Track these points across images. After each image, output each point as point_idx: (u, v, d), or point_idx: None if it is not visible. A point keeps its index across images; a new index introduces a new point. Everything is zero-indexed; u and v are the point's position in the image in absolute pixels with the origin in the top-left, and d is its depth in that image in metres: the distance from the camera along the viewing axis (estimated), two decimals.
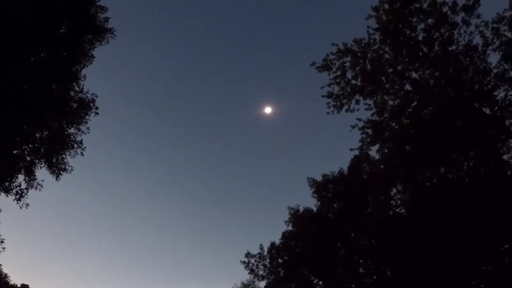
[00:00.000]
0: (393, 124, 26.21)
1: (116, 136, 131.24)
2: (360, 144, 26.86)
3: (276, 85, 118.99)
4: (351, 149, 27.50)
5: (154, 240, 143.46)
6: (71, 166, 21.69)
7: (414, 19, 21.90)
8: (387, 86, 25.77)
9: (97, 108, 21.10)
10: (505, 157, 20.71)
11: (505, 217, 19.81)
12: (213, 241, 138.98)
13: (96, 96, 21.05)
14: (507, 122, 20.07)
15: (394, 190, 28.44)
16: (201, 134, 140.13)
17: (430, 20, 21.36)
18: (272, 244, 33.51)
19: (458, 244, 21.72)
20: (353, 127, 26.55)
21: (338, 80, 26.20)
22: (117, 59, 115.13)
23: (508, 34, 18.41)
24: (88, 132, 21.49)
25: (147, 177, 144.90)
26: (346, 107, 26.58)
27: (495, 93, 20.17)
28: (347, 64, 25.83)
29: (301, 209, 33.63)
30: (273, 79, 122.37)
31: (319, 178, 33.44)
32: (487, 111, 20.92)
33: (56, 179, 21.51)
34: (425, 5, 21.16)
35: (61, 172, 21.46)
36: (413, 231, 24.46)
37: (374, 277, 28.07)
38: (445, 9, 20.51)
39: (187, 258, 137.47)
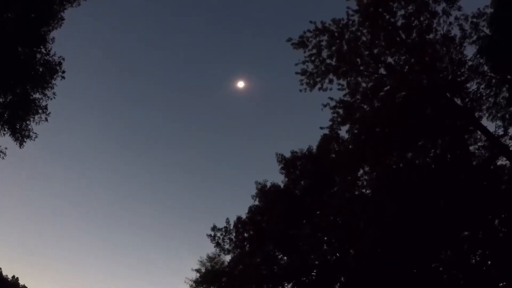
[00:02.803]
0: (365, 106, 26.34)
1: (84, 103, 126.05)
2: (330, 123, 26.99)
3: (250, 60, 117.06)
4: (321, 128, 27.69)
5: (120, 210, 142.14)
6: (35, 133, 20.60)
7: (395, 5, 21.64)
8: (361, 68, 25.67)
9: (63, 72, 19.89)
10: (471, 148, 21.26)
11: (467, 206, 20.57)
12: (180, 214, 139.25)
13: (63, 59, 19.77)
14: (476, 114, 20.48)
15: (361, 171, 28.98)
16: (171, 106, 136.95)
17: (410, 7, 21.12)
18: (239, 218, 33.63)
19: (420, 228, 22.47)
20: (325, 106, 26.51)
21: (313, 58, 25.93)
22: (89, 23, 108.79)
23: (486, 30, 18.46)
24: (54, 98, 20.31)
25: (115, 147, 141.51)
26: (319, 85, 26.46)
27: (468, 85, 20.53)
28: (324, 43, 25.51)
29: (269, 184, 33.75)
30: (248, 54, 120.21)
31: (287, 155, 33.54)
32: (458, 101, 21.26)
33: (20, 146, 20.44)
34: None
35: (25, 139, 20.42)
36: (377, 212, 25.04)
37: (337, 254, 28.91)
38: None
39: (154, 230, 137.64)
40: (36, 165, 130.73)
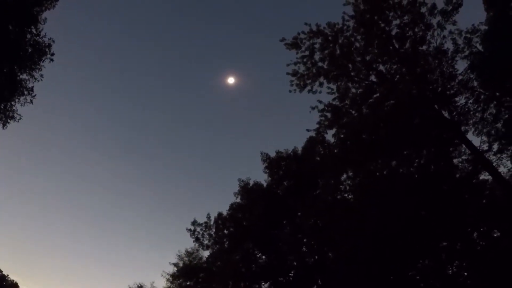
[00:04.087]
0: (353, 112, 26.52)
1: (71, 87, 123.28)
2: (317, 126, 27.05)
3: (243, 57, 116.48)
4: (307, 130, 27.73)
5: (102, 204, 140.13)
6: (20, 115, 20.27)
7: (391, 14, 21.75)
8: (352, 73, 25.81)
9: (52, 54, 19.62)
10: (455, 160, 21.60)
11: (448, 217, 20.94)
12: (162, 207, 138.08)
13: (53, 41, 19.50)
14: (462, 128, 20.80)
15: (345, 176, 29.19)
16: (159, 101, 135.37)
17: (406, 17, 21.27)
18: (219, 214, 33.50)
19: (399, 236, 22.74)
20: (313, 108, 26.59)
21: (305, 60, 26.02)
22: (82, 6, 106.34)
23: (479, 47, 18.74)
24: (42, 80, 19.99)
25: (99, 141, 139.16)
26: (309, 87, 26.57)
27: (457, 99, 20.78)
28: (317, 46, 25.59)
29: (251, 182, 33.73)
30: (240, 50, 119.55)
31: (272, 154, 33.57)
32: (446, 114, 21.54)
33: (3, 127, 20.18)
34: (404, 2, 20.94)
35: (9, 120, 20.11)
36: (358, 218, 25.27)
37: (316, 257, 29.07)
38: (423, 9, 20.46)
39: (135, 222, 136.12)
40: (17, 148, 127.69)
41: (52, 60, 19.27)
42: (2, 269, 67.04)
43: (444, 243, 21.27)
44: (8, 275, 67.14)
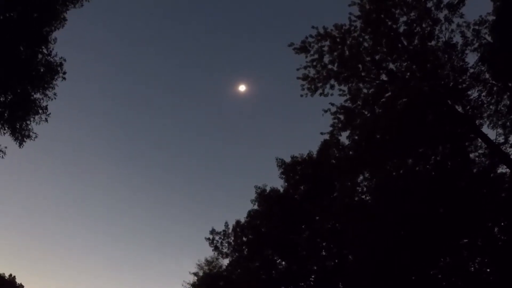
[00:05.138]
0: (365, 112, 26.37)
1: (84, 104, 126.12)
2: (331, 128, 26.98)
3: (252, 64, 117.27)
4: (321, 133, 27.71)
5: (120, 212, 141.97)
6: (35, 133, 20.67)
7: (397, 11, 21.68)
8: (363, 74, 25.71)
9: (64, 73, 19.93)
10: (472, 155, 21.23)
11: (467, 213, 20.53)
12: (179, 217, 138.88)
13: (65, 60, 19.84)
14: (477, 121, 20.48)
15: (361, 177, 28.97)
16: (171, 109, 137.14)
17: (412, 14, 21.18)
18: (238, 222, 33.58)
19: (419, 235, 22.39)
20: (326, 111, 26.48)
21: (314, 64, 26.00)
22: (91, 24, 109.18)
23: (488, 38, 18.51)
24: (55, 98, 20.38)
25: (114, 150, 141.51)
26: (320, 91, 26.48)
27: (469, 92, 20.50)
28: (325, 48, 25.59)
29: (268, 189, 33.67)
30: (249, 57, 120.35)
31: (288, 159, 33.55)
32: (459, 109, 21.24)
33: (19, 146, 20.45)
34: None
35: (25, 139, 20.47)
36: (377, 219, 24.98)
37: (336, 260, 28.82)
38: (429, 4, 20.36)
39: (153, 232, 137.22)
40: (35, 165, 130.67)
41: (64, 78, 19.75)
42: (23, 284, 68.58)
43: (465, 240, 20.80)
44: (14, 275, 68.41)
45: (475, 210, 20.22)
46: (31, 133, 20.49)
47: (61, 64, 19.67)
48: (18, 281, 70.17)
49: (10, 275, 68.91)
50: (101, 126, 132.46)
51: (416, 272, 23.16)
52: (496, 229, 19.81)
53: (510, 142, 18.90)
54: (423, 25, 21.13)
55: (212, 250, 34.39)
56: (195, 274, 37.00)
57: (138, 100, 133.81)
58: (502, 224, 19.40)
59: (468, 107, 20.54)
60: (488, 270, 19.57)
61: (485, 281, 18.92)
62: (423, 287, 22.23)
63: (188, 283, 38.08)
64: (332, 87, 26.20)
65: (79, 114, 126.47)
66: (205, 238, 34.73)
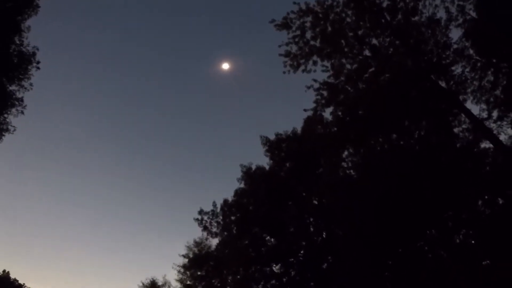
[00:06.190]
0: (349, 88, 26.26)
1: (61, 93, 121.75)
2: (314, 105, 26.80)
3: (234, 42, 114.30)
4: (305, 110, 27.47)
5: (107, 197, 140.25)
6: (14, 126, 20.10)
7: None
8: (346, 49, 25.41)
9: (38, 62, 19.42)
10: (455, 130, 21.47)
11: (451, 186, 20.95)
12: (167, 200, 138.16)
13: (38, 49, 19.35)
14: (460, 97, 20.59)
15: (346, 153, 29.16)
16: (156, 88, 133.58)
17: None
18: (225, 201, 33.61)
19: (405, 208, 22.82)
20: (309, 87, 26.27)
21: (296, 40, 25.64)
22: (64, 9, 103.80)
23: (473, 14, 18.36)
24: (31, 89, 19.92)
25: (99, 133, 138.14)
26: (302, 67, 26.20)
27: (453, 68, 20.51)
28: (307, 24, 25.17)
29: (254, 167, 33.65)
30: (232, 35, 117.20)
31: (272, 137, 33.43)
32: (442, 84, 21.29)
33: None
34: None
35: (3, 133, 20.00)
36: (363, 194, 25.34)
37: (324, 235, 29.32)
38: None
39: (141, 215, 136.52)
40: (17, 158, 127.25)
41: (38, 68, 19.10)
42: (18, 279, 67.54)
43: (450, 213, 21.32)
44: (24, 284, 67.58)
45: (459, 183, 20.63)
46: (9, 127, 19.89)
47: (34, 54, 18.98)
48: (12, 276, 68.67)
49: (4, 270, 67.51)
50: (81, 110, 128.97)
51: (403, 244, 23.75)
52: (480, 202, 20.29)
53: (493, 118, 19.12)
54: (407, 0, 20.82)
55: (202, 231, 34.60)
56: (185, 255, 37.30)
57: (118, 79, 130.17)
58: (486, 197, 19.88)
59: (451, 83, 20.60)
60: (472, 242, 20.18)
61: (469, 253, 19.52)
62: (409, 259, 22.83)
63: (178, 265, 38.47)
64: (314, 63, 25.91)
65: (55, 102, 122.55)
66: (194, 219, 34.87)
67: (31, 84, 19.43)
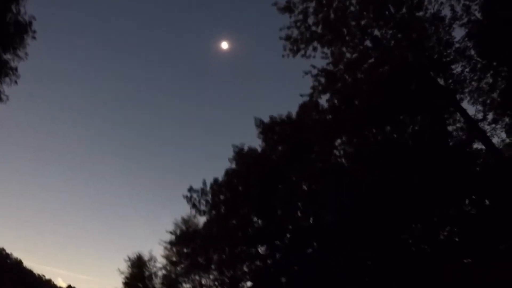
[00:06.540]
0: (347, 77, 26.18)
1: (57, 64, 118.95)
2: (311, 91, 26.74)
3: (235, 21, 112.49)
4: (301, 95, 27.48)
5: (99, 174, 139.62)
6: (6, 96, 19.78)
7: None
8: (347, 38, 25.18)
9: (34, 32, 19.10)
10: (450, 128, 21.61)
11: (440, 183, 21.24)
12: (158, 175, 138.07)
13: (34, 19, 18.97)
14: (458, 96, 20.64)
15: (339, 141, 29.32)
16: (149, 63, 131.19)
17: None
18: (215, 180, 33.75)
19: (393, 200, 23.17)
20: (307, 73, 26.18)
21: (298, 24, 25.34)
22: None
23: (478, 15, 18.20)
24: (27, 59, 19.41)
25: (87, 109, 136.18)
26: (302, 52, 25.93)
27: (453, 66, 20.45)
28: (310, 10, 24.82)
29: (246, 148, 33.67)
30: (233, 15, 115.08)
31: (266, 119, 33.29)
32: (441, 81, 21.28)
33: None
34: None
35: None
36: (352, 183, 25.65)
37: (311, 221, 29.69)
38: None
39: (131, 190, 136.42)
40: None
41: (34, 38, 18.73)
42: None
43: (437, 209, 21.67)
44: (11, 253, 67.92)
45: (449, 181, 20.91)
46: (2, 96, 19.56)
47: (30, 23, 18.55)
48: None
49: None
50: (70, 85, 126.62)
51: (388, 235, 24.18)
52: (467, 201, 20.64)
53: (488, 120, 19.25)
54: None
55: (190, 208, 34.78)
56: (172, 232, 37.58)
57: (115, 58, 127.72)
58: (474, 197, 20.21)
59: (450, 81, 20.61)
60: (456, 239, 20.61)
61: (452, 250, 19.97)
62: (393, 251, 23.31)
63: (165, 242, 38.77)
64: (314, 49, 25.66)
65: (50, 77, 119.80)
66: (183, 196, 34.99)
67: (26, 54, 19.01)
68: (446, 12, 19.81)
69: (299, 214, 30.30)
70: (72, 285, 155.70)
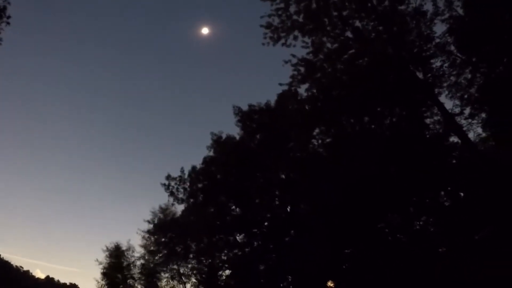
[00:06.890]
0: (326, 67, 26.19)
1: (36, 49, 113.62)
2: (290, 80, 26.61)
3: (216, 7, 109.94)
4: (280, 84, 27.27)
5: (70, 161, 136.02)
6: None
7: None
8: (328, 28, 25.11)
9: (8, 17, 18.36)
10: (427, 121, 22.08)
11: (417, 174, 21.82)
12: (134, 162, 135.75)
13: (9, 3, 18.22)
14: (436, 90, 21.04)
15: (317, 130, 29.51)
16: (129, 51, 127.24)
17: None
18: (193, 168, 33.46)
19: (370, 189, 23.64)
20: (286, 62, 26.01)
21: (279, 13, 25.10)
22: None
23: (460, 11, 18.49)
24: (1, 44, 18.83)
25: (63, 92, 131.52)
26: (282, 40, 25.77)
27: (432, 61, 20.77)
28: None
29: (224, 136, 33.48)
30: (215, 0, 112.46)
31: (245, 107, 33.10)
32: (420, 75, 21.61)
33: None
34: None
35: None
36: (329, 172, 25.95)
37: (288, 209, 29.99)
38: None
39: (108, 178, 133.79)
40: None
41: (8, 23, 17.84)
42: None
43: (413, 199, 22.29)
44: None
45: (425, 172, 21.49)
46: None
47: (4, 8, 17.67)
48: None
49: None
50: (58, 76, 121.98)
51: (364, 224, 24.73)
52: (442, 193, 21.30)
53: (465, 115, 19.76)
54: None
55: (168, 196, 34.45)
56: (150, 221, 37.21)
57: (93, 44, 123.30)
58: (449, 189, 20.87)
59: (429, 75, 20.97)
60: (431, 229, 21.31)
61: (427, 240, 20.66)
62: (369, 240, 23.89)
63: (142, 231, 38.32)
64: (295, 38, 25.50)
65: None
66: (161, 184, 34.60)
67: (0, 39, 18.24)
68: (429, 7, 20.05)
69: (276, 202, 30.54)
70: (50, 276, 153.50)
